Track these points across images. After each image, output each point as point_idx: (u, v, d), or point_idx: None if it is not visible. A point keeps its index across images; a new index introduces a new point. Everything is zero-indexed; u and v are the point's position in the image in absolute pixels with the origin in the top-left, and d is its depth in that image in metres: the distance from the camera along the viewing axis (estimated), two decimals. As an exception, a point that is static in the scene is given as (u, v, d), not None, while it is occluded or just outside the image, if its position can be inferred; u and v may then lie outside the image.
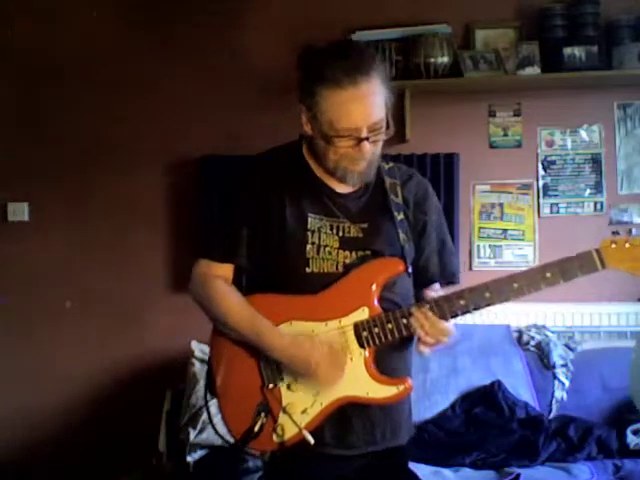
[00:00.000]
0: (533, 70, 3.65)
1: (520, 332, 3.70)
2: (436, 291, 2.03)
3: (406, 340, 1.96)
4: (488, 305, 1.83)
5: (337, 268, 1.91)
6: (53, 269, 3.98)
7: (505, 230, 3.86)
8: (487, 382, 3.45)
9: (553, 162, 3.86)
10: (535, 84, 3.78)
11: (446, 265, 2.06)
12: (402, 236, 1.95)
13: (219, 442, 2.21)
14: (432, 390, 3.45)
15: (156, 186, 3.96)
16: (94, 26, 3.94)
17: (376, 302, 1.89)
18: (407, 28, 3.74)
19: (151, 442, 3.45)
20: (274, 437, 1.90)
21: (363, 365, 1.88)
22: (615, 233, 1.81)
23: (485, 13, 3.81)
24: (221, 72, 3.91)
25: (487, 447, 3.17)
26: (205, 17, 3.90)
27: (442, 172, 3.78)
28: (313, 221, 1.92)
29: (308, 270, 1.90)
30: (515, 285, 1.82)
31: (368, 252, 1.92)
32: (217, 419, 2.04)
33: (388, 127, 1.89)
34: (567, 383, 3.47)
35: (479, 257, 3.86)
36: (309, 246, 1.90)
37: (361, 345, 1.88)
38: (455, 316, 1.85)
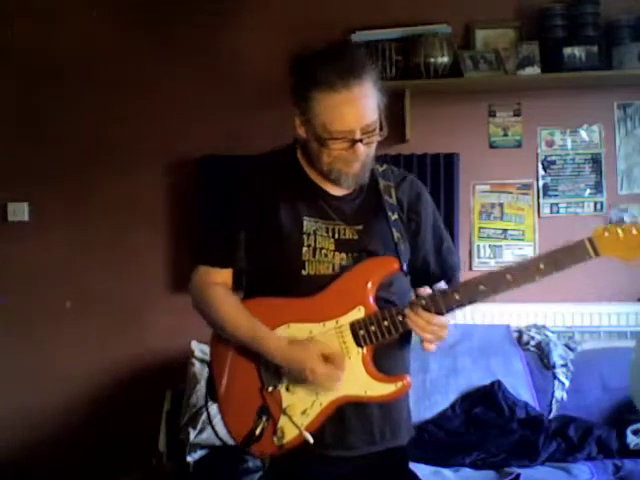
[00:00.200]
0: (533, 70, 3.65)
1: (520, 332, 3.70)
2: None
3: (404, 338, 1.97)
4: (483, 298, 1.84)
5: (333, 270, 1.92)
6: (53, 269, 3.98)
7: (505, 230, 3.86)
8: (487, 382, 3.45)
9: (553, 162, 3.86)
10: (535, 84, 3.78)
11: (445, 263, 2.07)
12: (396, 235, 1.97)
13: (219, 443, 2.21)
14: (432, 390, 3.45)
15: (156, 186, 3.96)
16: (94, 26, 3.94)
17: (372, 300, 1.90)
18: (407, 28, 3.74)
19: (151, 442, 3.45)
20: (275, 440, 1.91)
21: (361, 364, 1.89)
22: (607, 223, 1.80)
23: (485, 13, 3.81)
24: (221, 72, 3.91)
25: (487, 447, 3.17)
26: (205, 17, 3.90)
27: (442, 172, 3.78)
28: (308, 224, 1.94)
29: (304, 273, 1.92)
30: (509, 277, 1.83)
31: (364, 253, 1.93)
32: (216, 420, 2.05)
33: (382, 129, 1.90)
34: (567, 383, 3.47)
35: (479, 257, 3.86)
36: (305, 249, 1.92)
37: (358, 344, 1.88)
38: (451, 310, 1.85)
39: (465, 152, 3.84)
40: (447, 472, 3.02)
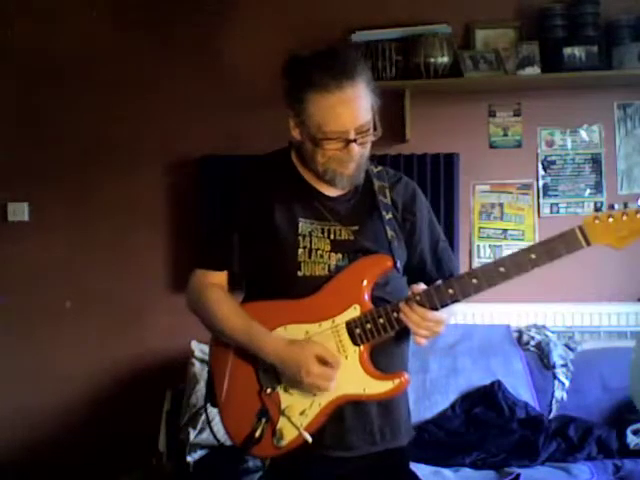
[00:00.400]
0: (533, 70, 3.65)
1: (520, 332, 3.70)
2: None
3: (401, 336, 1.97)
4: (477, 291, 1.84)
5: (329, 271, 1.93)
6: (53, 269, 3.98)
7: (505, 230, 3.86)
8: (487, 382, 3.45)
9: (553, 162, 3.86)
10: (535, 84, 3.78)
11: (441, 262, 2.08)
12: (390, 233, 1.98)
13: (218, 444, 2.22)
14: (432, 390, 3.45)
15: (156, 186, 3.96)
16: (94, 26, 3.94)
17: (367, 298, 1.90)
18: (407, 28, 3.73)
19: (151, 442, 3.45)
20: (274, 441, 1.91)
21: (358, 362, 1.89)
22: (597, 210, 1.78)
23: (485, 13, 3.81)
24: (221, 72, 3.91)
25: (487, 447, 3.17)
26: (205, 17, 3.90)
27: (442, 172, 3.78)
28: (304, 225, 1.95)
29: (300, 274, 1.93)
30: (502, 269, 1.82)
31: (359, 254, 1.94)
32: (215, 422, 2.07)
33: (375, 129, 1.92)
34: (567, 383, 3.47)
35: (479, 257, 3.86)
36: (300, 250, 1.93)
37: (355, 343, 1.89)
38: (445, 305, 1.85)
39: (465, 152, 3.84)
40: (447, 472, 3.03)
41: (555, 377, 3.49)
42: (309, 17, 3.84)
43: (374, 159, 2.05)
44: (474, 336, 3.64)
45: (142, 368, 3.93)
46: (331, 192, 1.99)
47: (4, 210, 3.98)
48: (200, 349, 3.48)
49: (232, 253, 1.99)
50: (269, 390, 1.93)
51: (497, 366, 3.51)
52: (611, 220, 1.76)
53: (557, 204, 3.85)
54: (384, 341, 1.92)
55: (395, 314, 1.87)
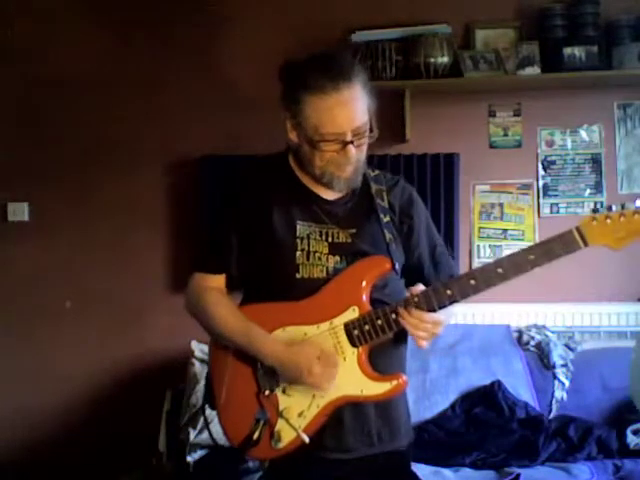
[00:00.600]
0: (533, 70, 3.65)
1: (520, 332, 3.70)
2: None
3: (399, 338, 1.98)
4: (475, 293, 1.84)
5: (327, 273, 1.94)
6: (53, 269, 3.98)
7: (505, 230, 3.86)
8: (487, 382, 3.45)
9: (553, 162, 3.86)
10: (535, 84, 3.78)
11: (439, 266, 2.08)
12: (388, 236, 1.98)
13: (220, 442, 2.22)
14: (432, 390, 3.45)
15: (156, 186, 3.96)
16: (94, 26, 3.94)
17: (365, 299, 1.91)
18: (407, 28, 3.73)
19: (151, 442, 3.46)
20: (272, 443, 1.92)
21: (356, 364, 1.89)
22: (594, 210, 1.78)
23: (485, 13, 3.81)
24: (221, 72, 3.91)
25: (487, 447, 3.17)
26: (205, 17, 3.90)
27: (442, 172, 3.78)
28: (302, 228, 1.96)
29: (298, 276, 1.93)
30: (500, 270, 1.82)
31: (357, 256, 1.95)
32: (213, 424, 2.07)
33: (372, 131, 1.92)
34: (567, 383, 3.47)
35: (479, 257, 3.86)
36: (298, 252, 1.94)
37: (353, 344, 1.89)
38: (443, 307, 1.85)
39: (465, 152, 3.84)
40: (447, 472, 3.03)
41: (555, 377, 3.49)
42: (309, 17, 3.84)
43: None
44: (474, 336, 3.64)
45: (142, 368, 3.93)
46: (329, 195, 2.00)
47: (4, 210, 3.98)
48: (200, 349, 3.49)
49: (230, 256, 2.00)
50: (267, 392, 1.94)
51: (497, 366, 3.51)
52: (609, 221, 1.76)
53: (557, 204, 3.85)
54: (382, 343, 1.92)
55: (393, 315, 1.87)
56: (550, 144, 3.86)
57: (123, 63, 3.94)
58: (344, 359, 1.89)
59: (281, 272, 1.94)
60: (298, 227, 1.96)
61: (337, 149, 1.89)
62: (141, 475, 3.57)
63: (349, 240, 1.96)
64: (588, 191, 3.84)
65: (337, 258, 1.95)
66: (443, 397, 3.45)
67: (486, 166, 3.87)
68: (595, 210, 1.78)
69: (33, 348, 3.97)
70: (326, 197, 2.00)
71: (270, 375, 1.93)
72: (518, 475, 2.94)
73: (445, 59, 3.66)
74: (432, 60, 3.64)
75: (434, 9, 3.80)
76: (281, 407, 1.92)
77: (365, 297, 1.91)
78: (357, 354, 1.89)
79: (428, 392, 3.44)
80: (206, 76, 3.92)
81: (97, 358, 3.96)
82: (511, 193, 3.87)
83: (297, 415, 1.91)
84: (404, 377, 1.91)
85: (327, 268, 1.94)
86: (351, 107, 1.87)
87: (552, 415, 3.42)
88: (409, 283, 2.02)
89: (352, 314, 1.90)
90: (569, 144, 3.85)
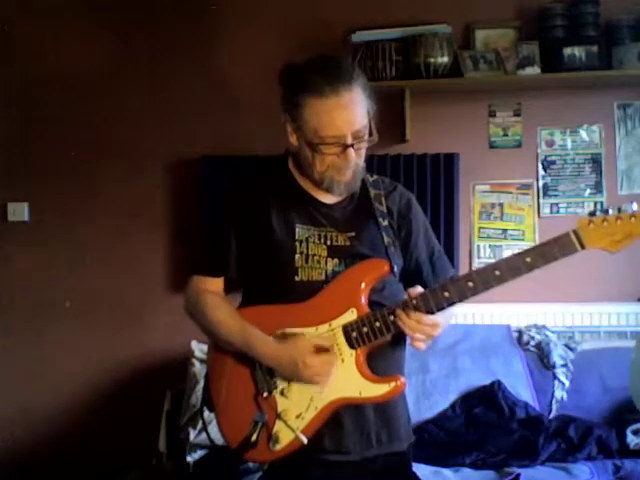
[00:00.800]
0: (533, 70, 3.65)
1: (520, 332, 3.70)
2: None
3: (397, 341, 1.99)
4: (473, 294, 1.84)
5: (325, 276, 1.94)
6: (53, 269, 3.98)
7: (505, 230, 3.86)
8: (487, 382, 3.45)
9: (553, 162, 3.86)
10: (535, 84, 3.78)
11: (438, 271, 2.08)
12: (387, 239, 2.00)
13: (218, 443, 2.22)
14: (432, 390, 3.45)
15: (156, 186, 3.96)
16: (94, 26, 3.94)
17: (364, 301, 1.91)
18: (407, 28, 3.73)
19: (151, 442, 3.46)
20: (270, 445, 1.92)
21: (354, 365, 1.90)
22: (591, 213, 1.79)
23: (485, 13, 3.81)
24: (221, 72, 3.91)
25: (487, 447, 3.17)
26: (205, 17, 3.90)
27: (442, 172, 3.78)
28: (301, 231, 1.97)
29: (297, 279, 1.94)
30: (497, 272, 1.83)
31: (356, 259, 1.95)
32: (211, 426, 2.08)
33: (371, 134, 1.93)
34: (567, 383, 3.47)
35: (479, 257, 3.86)
36: (297, 255, 1.95)
37: (351, 346, 1.90)
38: (441, 309, 1.86)
39: (465, 152, 3.84)
40: (447, 472, 3.02)
41: (555, 377, 3.49)
42: (309, 17, 3.84)
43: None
44: (474, 336, 3.64)
45: (142, 368, 3.93)
46: (327, 199, 2.01)
47: (4, 210, 3.98)
48: (200, 349, 3.49)
49: (229, 259, 2.01)
50: (265, 394, 1.94)
51: (497, 366, 3.51)
52: (605, 224, 1.77)
53: (557, 204, 3.85)
54: (380, 346, 1.93)
55: (391, 317, 1.87)
56: (550, 144, 3.86)
57: (123, 63, 3.94)
58: (342, 361, 1.90)
59: (280, 275, 1.95)
60: (297, 230, 1.97)
61: (337, 152, 1.90)
62: (141, 475, 3.57)
63: (348, 243, 1.97)
64: (588, 191, 3.84)
65: (336, 261, 1.95)
66: (443, 397, 3.45)
67: (486, 166, 3.87)
68: (592, 213, 1.78)
69: (33, 348, 3.97)
70: (325, 201, 2.01)
71: (268, 377, 1.94)
72: (518, 475, 2.94)
73: (445, 59, 3.66)
74: (432, 60, 3.64)
75: (434, 9, 3.80)
76: (279, 409, 1.93)
77: (364, 299, 1.91)
78: (355, 356, 1.90)
79: (428, 392, 3.44)
80: (206, 76, 3.92)
81: (97, 358, 3.96)
82: (511, 193, 3.87)
83: (295, 417, 1.91)
84: (402, 379, 1.91)
85: (326, 271, 1.95)
86: (350, 110, 1.88)
87: (552, 415, 3.42)
88: (408, 287, 2.02)
89: (350, 316, 1.90)
90: (569, 144, 3.85)
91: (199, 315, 2.04)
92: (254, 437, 1.92)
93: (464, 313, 3.73)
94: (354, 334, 1.89)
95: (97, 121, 3.95)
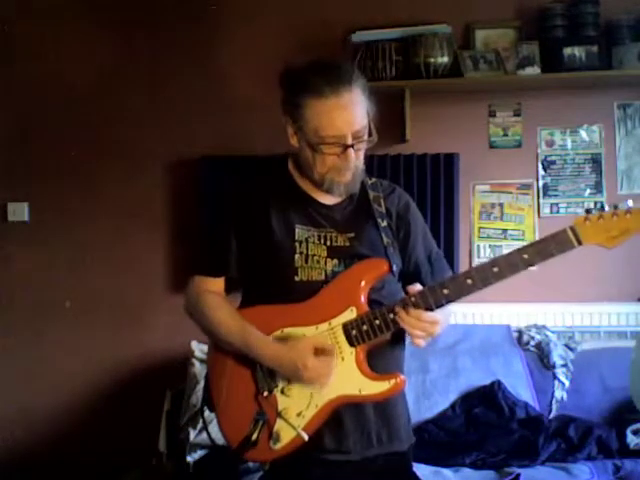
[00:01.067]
0: (533, 70, 3.65)
1: (520, 332, 3.70)
2: None
3: (397, 340, 2.00)
4: (472, 292, 1.85)
5: (325, 276, 1.96)
6: (53, 269, 3.98)
7: (505, 230, 3.86)
8: (487, 382, 3.45)
9: (553, 162, 3.86)
10: (535, 84, 3.78)
11: (436, 272, 2.09)
12: (386, 240, 2.01)
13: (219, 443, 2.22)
14: (432, 390, 3.45)
15: (156, 186, 3.96)
16: (94, 26, 3.94)
17: (363, 300, 1.92)
18: (407, 28, 3.73)
19: (151, 442, 3.46)
20: (270, 443, 1.93)
21: (354, 363, 1.91)
22: (588, 212, 1.81)
23: (485, 13, 3.81)
24: (221, 72, 3.91)
25: (487, 447, 3.17)
26: (205, 17, 3.90)
27: (442, 172, 3.78)
28: (300, 232, 1.98)
29: (297, 279, 1.95)
30: (495, 269, 1.84)
31: (355, 259, 1.97)
32: (212, 426, 2.08)
33: (371, 135, 1.95)
34: (567, 383, 3.47)
35: (479, 257, 3.86)
36: (297, 256, 1.96)
37: (351, 344, 1.91)
38: (440, 306, 1.87)
39: (465, 152, 3.84)
40: (447, 472, 3.02)
41: (555, 377, 3.49)
42: (309, 17, 3.84)
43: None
44: (474, 336, 3.64)
45: (142, 368, 3.93)
46: (327, 200, 2.02)
47: (4, 210, 3.99)
48: (200, 349, 3.49)
49: (229, 259, 2.02)
50: (266, 393, 1.95)
51: (497, 366, 3.51)
52: (602, 220, 1.79)
53: (557, 204, 3.85)
54: (380, 345, 1.94)
55: (391, 315, 1.88)
56: (550, 144, 3.86)
57: (123, 63, 3.94)
58: (342, 359, 1.91)
59: (280, 275, 1.96)
60: (297, 231, 1.98)
61: (337, 152, 1.91)
62: (141, 475, 3.57)
63: (348, 244, 1.99)
64: (588, 191, 3.84)
65: (335, 261, 1.97)
66: (443, 397, 3.45)
67: (486, 166, 3.87)
68: (588, 210, 1.80)
69: (33, 348, 3.97)
70: (324, 202, 2.02)
71: (269, 376, 1.95)
72: (518, 475, 2.94)
73: (445, 59, 3.66)
74: (432, 60, 3.64)
75: (434, 9, 3.80)
76: (280, 407, 1.93)
77: (363, 298, 1.92)
78: (355, 354, 1.91)
79: (428, 392, 3.44)
80: (206, 76, 3.92)
81: (97, 358, 3.96)
82: (511, 193, 3.87)
83: (296, 415, 1.92)
84: (402, 376, 1.92)
85: (325, 271, 1.96)
86: (350, 110, 1.89)
87: (552, 415, 3.42)
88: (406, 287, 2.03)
89: (350, 314, 1.91)
90: (569, 144, 3.85)
91: (199, 315, 2.05)
92: (255, 436, 1.92)
93: (464, 313, 3.73)
94: (354, 332, 1.90)
95: (97, 121, 3.95)
